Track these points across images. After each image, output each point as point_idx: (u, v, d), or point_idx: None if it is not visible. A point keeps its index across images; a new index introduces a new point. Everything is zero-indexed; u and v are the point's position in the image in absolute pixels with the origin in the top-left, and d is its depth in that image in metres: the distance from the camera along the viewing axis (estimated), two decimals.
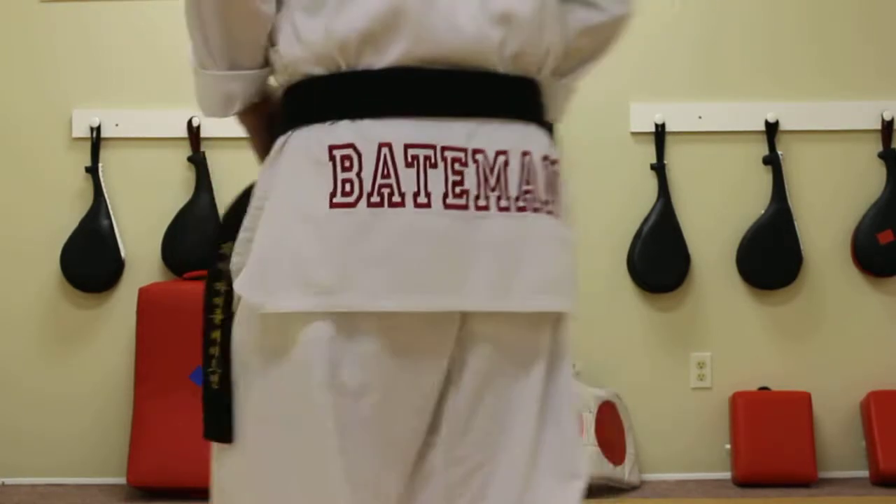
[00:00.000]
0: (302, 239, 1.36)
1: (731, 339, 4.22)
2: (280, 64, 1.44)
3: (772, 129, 4.22)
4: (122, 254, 4.17)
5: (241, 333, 1.43)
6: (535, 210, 1.42)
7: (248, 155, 1.59)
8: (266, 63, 1.47)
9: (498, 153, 1.40)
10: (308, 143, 1.38)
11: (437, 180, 1.36)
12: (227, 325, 1.44)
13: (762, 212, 4.19)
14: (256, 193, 1.44)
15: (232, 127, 1.59)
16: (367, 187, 1.35)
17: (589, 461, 3.82)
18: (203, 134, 4.19)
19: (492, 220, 1.39)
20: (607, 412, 4.00)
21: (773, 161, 4.21)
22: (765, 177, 4.23)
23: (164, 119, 4.19)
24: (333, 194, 1.35)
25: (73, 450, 4.16)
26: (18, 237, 4.22)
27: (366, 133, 1.36)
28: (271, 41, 1.44)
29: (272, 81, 1.51)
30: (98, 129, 4.20)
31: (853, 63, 4.25)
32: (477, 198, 1.38)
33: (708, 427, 4.19)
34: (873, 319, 4.21)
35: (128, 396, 4.04)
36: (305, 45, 1.39)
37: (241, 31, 1.43)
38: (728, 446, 4.11)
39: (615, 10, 1.55)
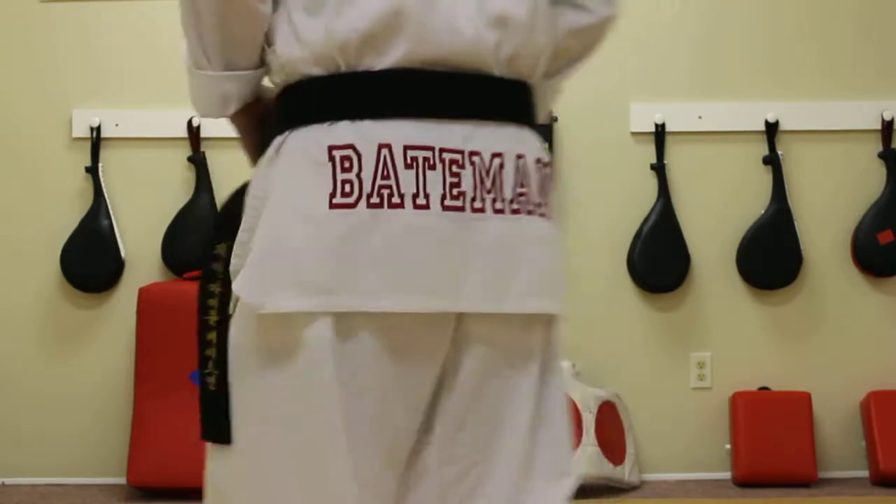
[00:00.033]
0: (301, 239, 1.36)
1: (731, 339, 4.21)
2: (277, 64, 1.43)
3: (772, 129, 4.22)
4: (122, 254, 4.17)
5: (239, 334, 1.43)
6: (529, 212, 1.43)
7: None
8: (262, 63, 1.46)
9: (493, 155, 1.41)
10: (307, 144, 1.38)
11: (435, 182, 1.36)
12: (222, 327, 1.44)
13: (762, 212, 4.19)
14: (253, 193, 1.43)
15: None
16: (367, 188, 1.35)
17: (589, 461, 3.82)
18: (203, 134, 4.19)
19: (487, 221, 1.39)
20: (607, 412, 4.00)
21: (773, 161, 4.20)
22: (765, 177, 4.23)
23: (164, 119, 4.19)
24: (333, 195, 1.35)
25: (73, 450, 4.16)
26: (18, 237, 4.22)
27: (366, 134, 1.36)
28: (268, 41, 1.44)
29: (267, 82, 1.50)
30: (98, 129, 4.20)
31: (853, 63, 4.25)
32: (473, 200, 1.38)
33: (708, 427, 4.19)
34: (873, 319, 4.21)
35: (128, 396, 4.04)
36: (305, 45, 1.39)
37: (239, 30, 1.42)
38: (728, 446, 4.11)
39: (602, 11, 1.57)
